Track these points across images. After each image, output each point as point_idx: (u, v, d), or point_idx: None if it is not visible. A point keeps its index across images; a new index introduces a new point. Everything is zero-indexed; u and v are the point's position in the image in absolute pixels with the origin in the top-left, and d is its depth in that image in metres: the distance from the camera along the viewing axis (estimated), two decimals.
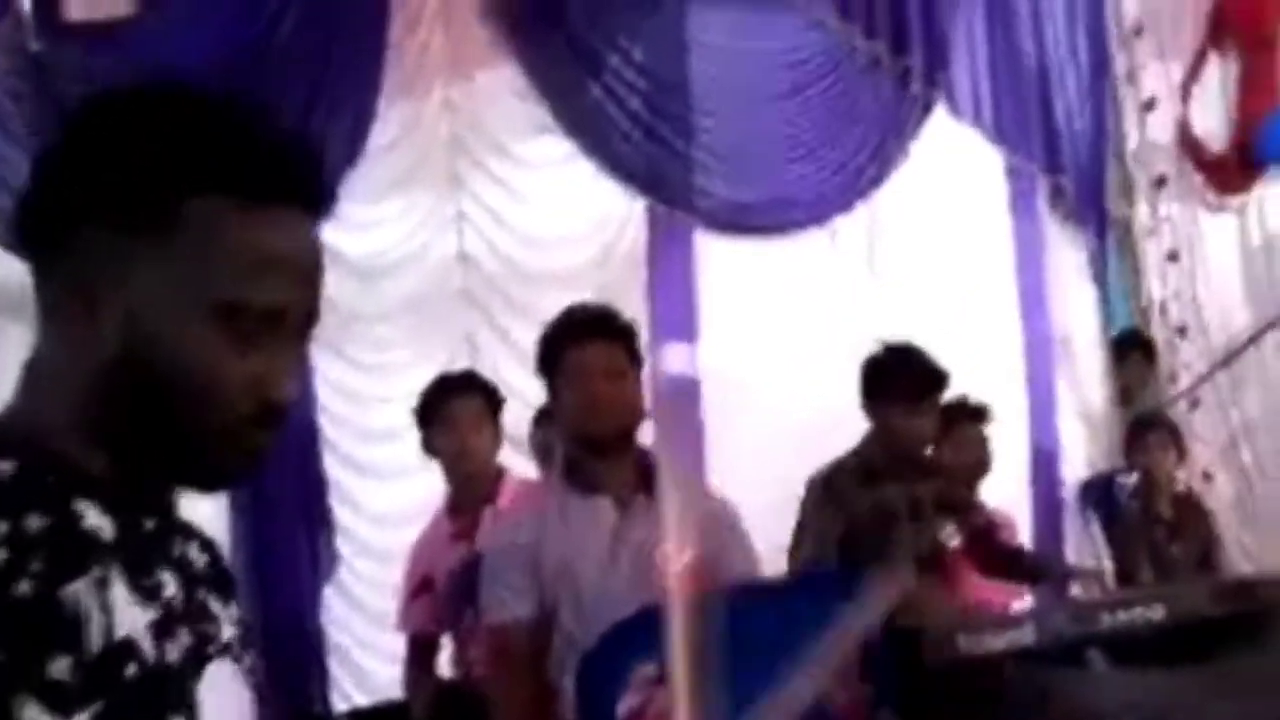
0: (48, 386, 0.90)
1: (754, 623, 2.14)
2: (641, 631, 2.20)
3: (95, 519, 0.86)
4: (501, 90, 4.51)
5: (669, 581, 2.42)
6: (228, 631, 0.97)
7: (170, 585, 0.90)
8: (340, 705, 3.91)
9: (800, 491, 3.56)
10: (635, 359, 2.49)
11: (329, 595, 4.00)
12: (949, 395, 3.55)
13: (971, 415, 3.92)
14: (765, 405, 4.40)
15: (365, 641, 3.99)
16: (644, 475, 2.55)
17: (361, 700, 3.90)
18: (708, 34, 4.63)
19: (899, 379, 3.36)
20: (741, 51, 4.70)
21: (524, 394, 4.00)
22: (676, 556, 2.49)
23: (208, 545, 1.02)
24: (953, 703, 2.63)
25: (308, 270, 0.92)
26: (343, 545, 4.05)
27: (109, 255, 0.87)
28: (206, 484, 0.94)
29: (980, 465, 3.92)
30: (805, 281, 4.61)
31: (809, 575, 3.16)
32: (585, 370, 2.42)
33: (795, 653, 2.13)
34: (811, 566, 3.29)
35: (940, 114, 4.83)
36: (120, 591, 0.84)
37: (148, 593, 0.87)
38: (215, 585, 0.99)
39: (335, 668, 3.97)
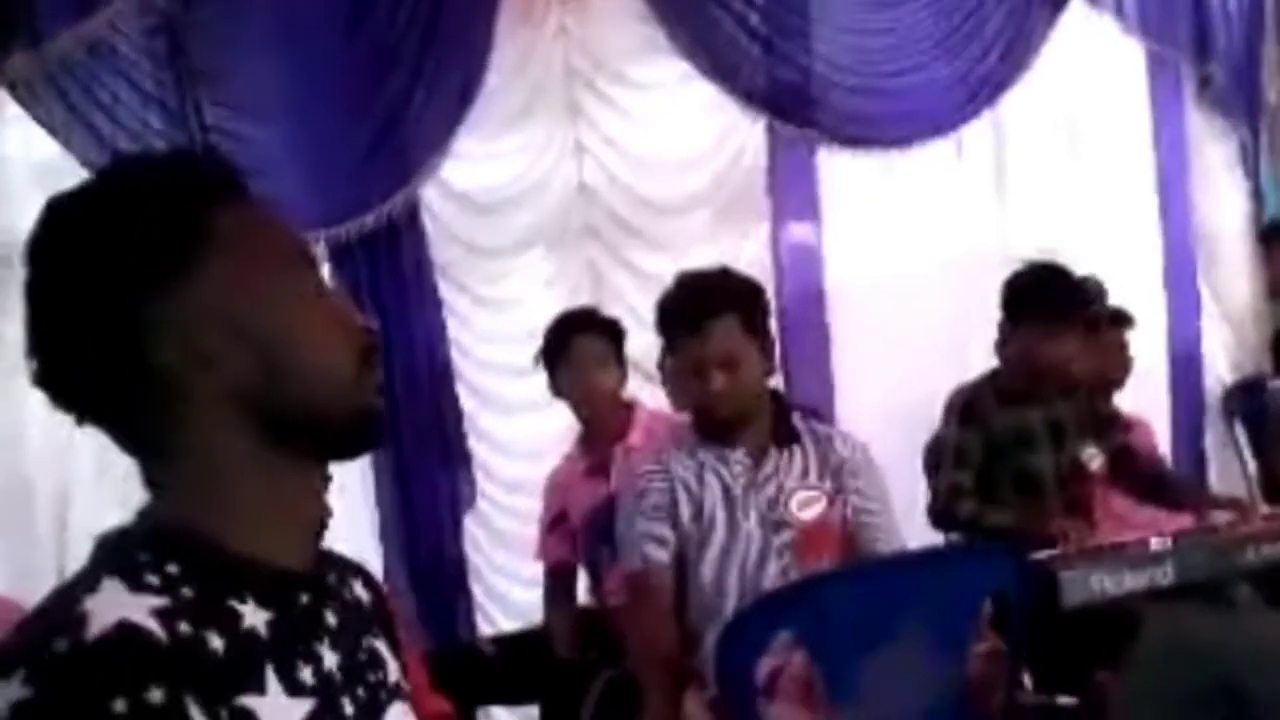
0: (189, 481, 0.94)
1: (870, 600, 2.18)
2: (783, 602, 2.25)
3: (251, 616, 0.90)
4: (617, 12, 4.44)
5: (798, 536, 2.48)
6: (394, 673, 1.03)
7: (328, 656, 0.95)
8: (485, 629, 4.07)
9: (927, 411, 3.55)
10: (756, 331, 2.49)
11: (469, 525, 4.14)
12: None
13: (1113, 320, 3.81)
14: (892, 323, 4.34)
15: (505, 569, 4.13)
16: (778, 424, 2.58)
17: (505, 624, 4.05)
18: None
19: (1040, 299, 3.28)
20: None
21: (651, 323, 4.05)
22: (806, 510, 2.54)
23: (369, 581, 1.08)
24: (1090, 645, 2.61)
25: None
26: (481, 477, 4.17)
27: (162, 330, 0.92)
28: (360, 440, 1.00)
29: (1122, 372, 3.83)
30: (931, 194, 4.48)
31: (938, 552, 3.16)
32: (698, 362, 2.46)
33: (924, 633, 2.17)
34: (949, 495, 3.28)
35: (1076, 7, 4.58)
36: (274, 691, 0.89)
37: (299, 685, 0.91)
38: (379, 623, 1.05)
39: (479, 595, 4.11)
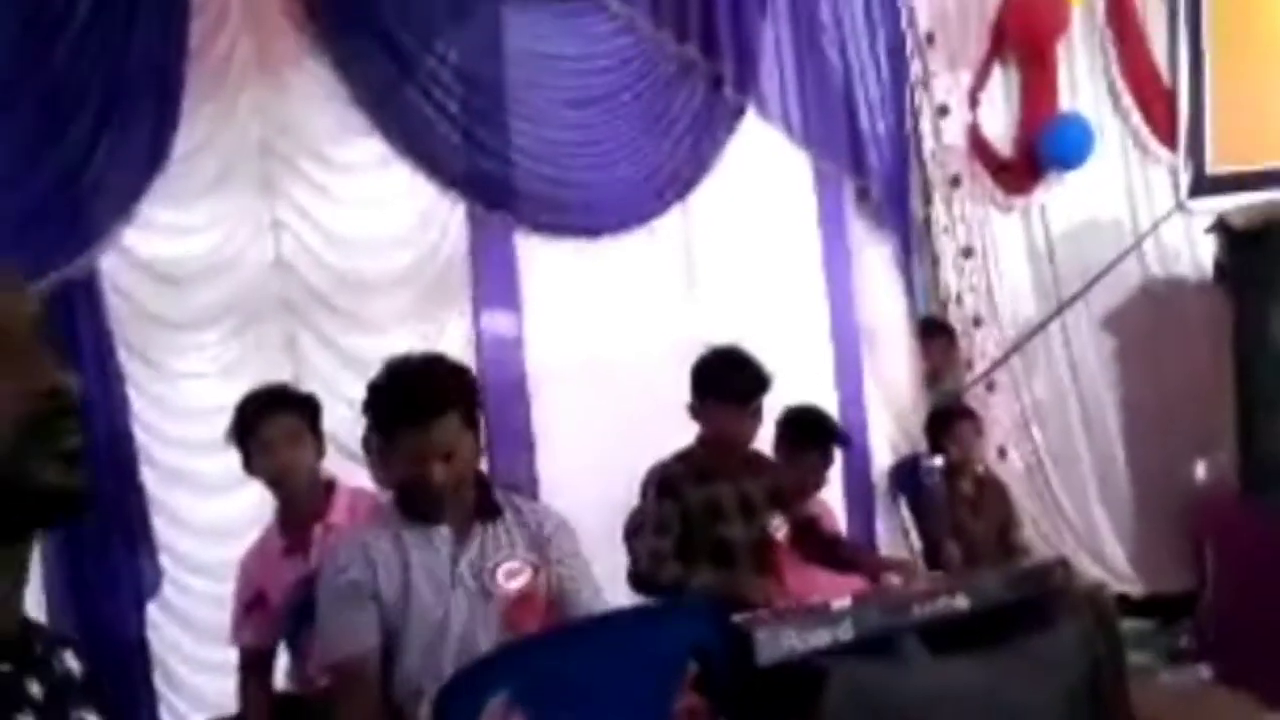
0: None
1: (582, 658, 2.26)
2: (499, 662, 2.28)
3: None
4: (313, 92, 4.43)
5: (505, 606, 2.52)
6: None
7: None
8: None
9: (624, 487, 3.72)
10: (472, 423, 2.53)
11: (153, 612, 3.90)
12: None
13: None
14: (591, 404, 4.50)
15: (192, 658, 3.91)
16: (481, 500, 2.62)
17: (192, 716, 3.83)
18: (522, 37, 4.67)
19: (728, 381, 3.54)
20: (555, 55, 4.76)
21: (351, 399, 4.01)
22: (512, 581, 2.58)
23: (80, 653, 1.03)
24: (782, 699, 2.79)
25: (6, 285, 0.95)
26: (166, 561, 3.95)
27: None
28: (49, 511, 0.92)
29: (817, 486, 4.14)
30: (625, 282, 4.71)
31: (647, 609, 3.28)
32: (419, 455, 2.47)
33: (634, 685, 2.26)
34: (652, 560, 3.44)
35: (751, 118, 5.00)
36: None
37: None
38: (87, 693, 1.00)
39: (162, 685, 3.88)
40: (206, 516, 4.04)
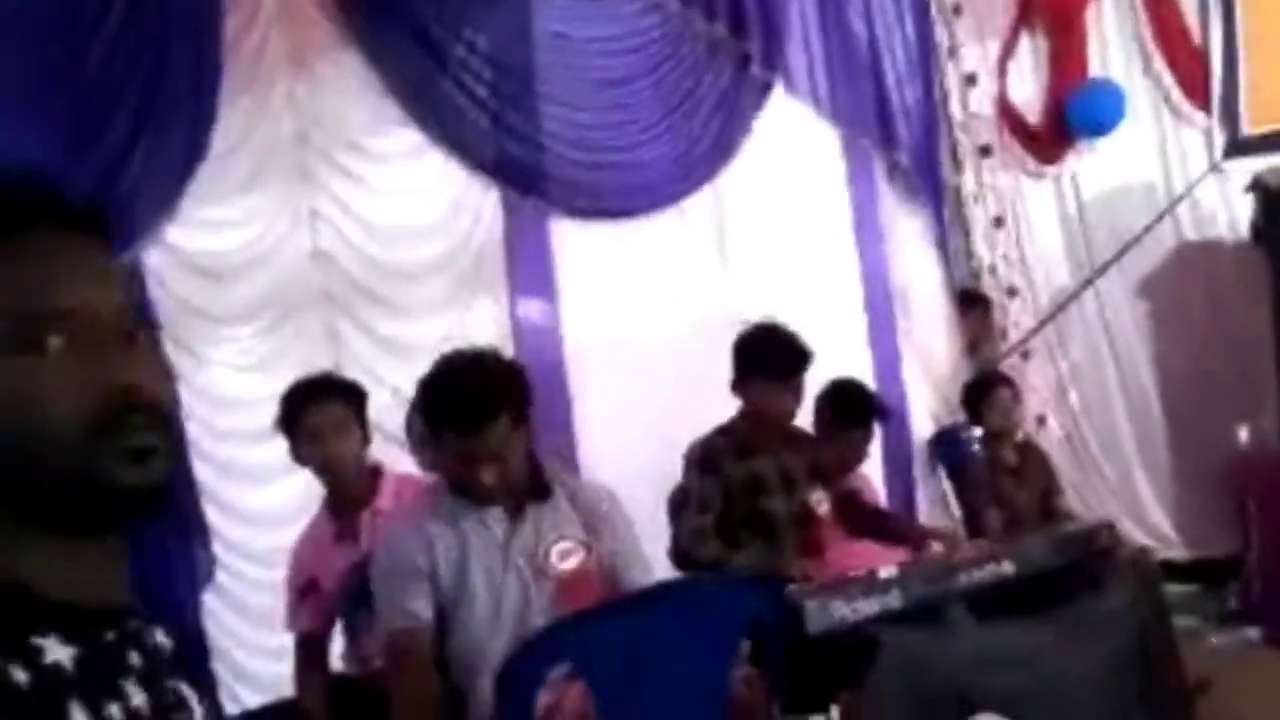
0: None
1: (640, 630, 2.29)
2: (555, 637, 2.32)
3: (55, 652, 0.88)
4: (347, 83, 4.48)
5: (558, 585, 2.56)
6: (200, 717, 1.01)
7: (135, 695, 0.93)
8: (230, 707, 3.90)
9: (664, 466, 3.75)
10: (523, 420, 2.53)
11: (208, 600, 3.97)
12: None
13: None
14: (628, 383, 4.53)
15: (249, 643, 3.98)
16: (533, 480, 2.65)
17: (250, 700, 3.89)
18: (551, 22, 4.70)
19: (768, 358, 3.56)
20: (584, 39, 4.79)
21: (393, 384, 4.06)
22: (565, 561, 2.62)
23: (169, 631, 1.07)
24: (834, 668, 2.81)
25: (95, 275, 0.94)
26: (220, 549, 4.02)
27: None
28: (96, 513, 0.92)
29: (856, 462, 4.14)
30: (659, 261, 4.74)
31: (702, 581, 3.31)
32: (469, 457, 2.48)
33: (690, 657, 2.29)
34: (694, 538, 3.47)
35: (779, 94, 5.01)
36: None
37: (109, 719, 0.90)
38: (183, 669, 1.02)
39: (221, 670, 3.95)
40: (257, 505, 4.10)
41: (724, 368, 3.78)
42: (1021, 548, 3.41)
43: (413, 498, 3.07)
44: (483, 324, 4.42)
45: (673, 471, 3.74)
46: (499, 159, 4.59)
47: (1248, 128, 5.70)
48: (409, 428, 3.68)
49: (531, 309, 4.59)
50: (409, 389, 2.87)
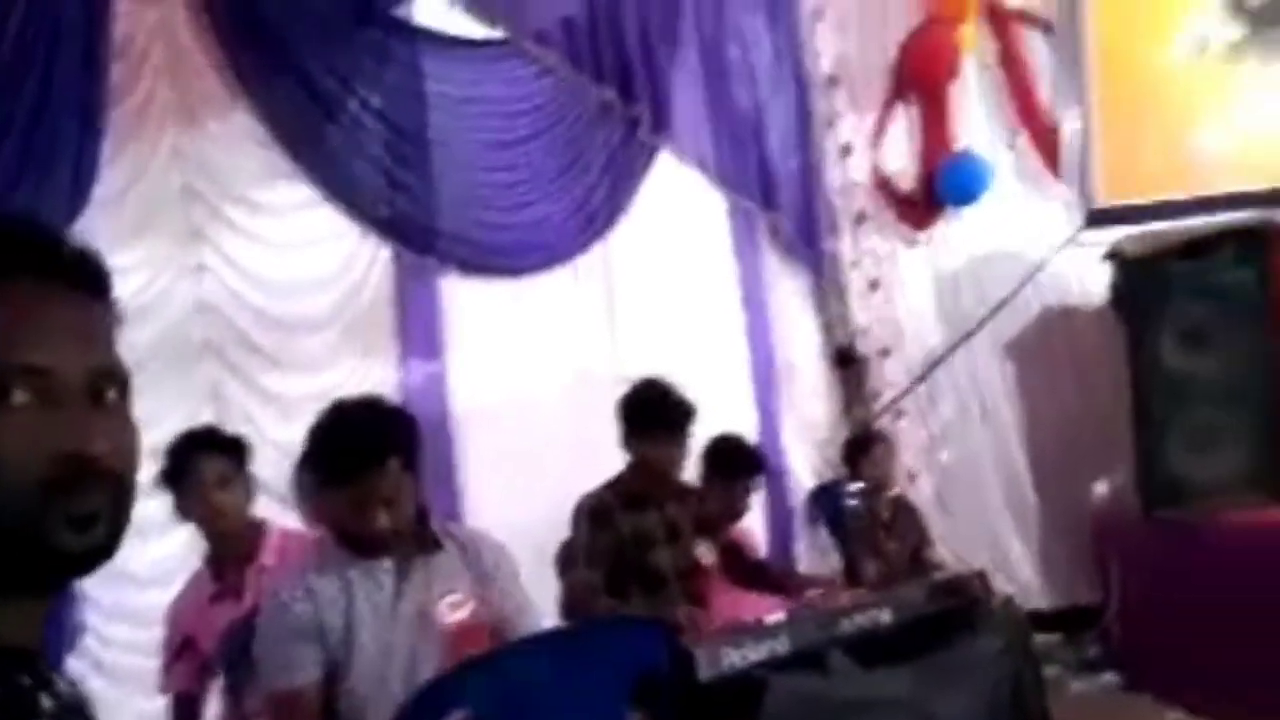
0: None
1: (536, 674, 2.32)
2: (447, 685, 2.33)
3: None
4: (235, 136, 4.47)
5: (449, 638, 2.56)
6: None
7: None
8: None
9: (552, 520, 3.79)
10: (414, 465, 2.54)
11: (74, 664, 3.84)
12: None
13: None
14: (515, 441, 4.57)
15: (117, 707, 3.86)
16: (422, 532, 2.65)
17: None
18: (443, 82, 4.78)
19: (655, 413, 3.65)
20: (477, 99, 4.87)
21: (276, 440, 4.03)
22: (455, 613, 2.63)
23: (74, 684, 1.07)
24: (723, 713, 2.87)
25: (72, 332, 0.93)
26: (91, 609, 3.91)
27: None
28: (55, 570, 0.93)
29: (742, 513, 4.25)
30: (549, 319, 4.81)
31: (585, 625, 3.35)
32: (360, 503, 2.47)
33: (585, 700, 2.33)
34: (584, 589, 3.51)
35: (667, 157, 5.16)
36: None
37: None
38: (83, 714, 1.01)
39: None
40: (133, 563, 4.00)
41: (611, 424, 3.86)
42: (899, 596, 3.54)
43: (298, 553, 3.05)
44: (370, 379, 4.41)
45: (560, 527, 3.79)
46: (391, 215, 4.63)
47: (1103, 200, 6.05)
48: (295, 481, 3.66)
49: (420, 365, 4.61)
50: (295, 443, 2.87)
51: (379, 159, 4.65)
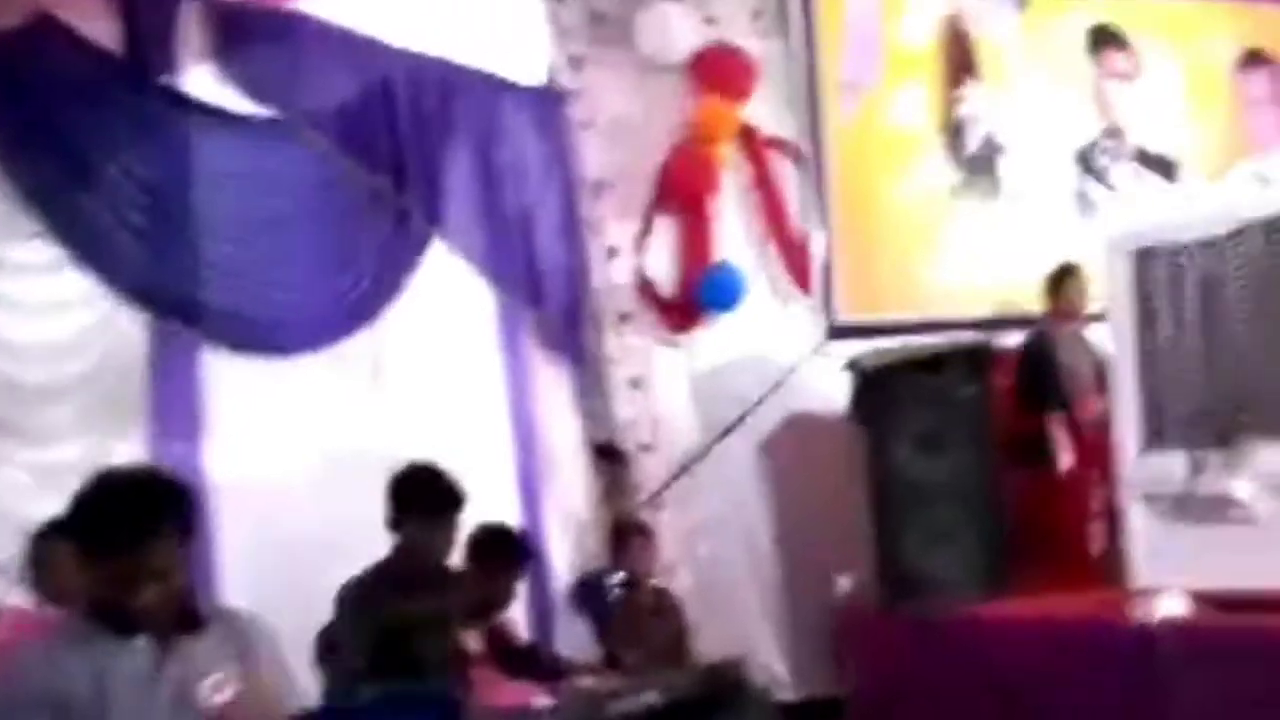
0: None
1: None
2: None
3: None
4: None
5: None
6: None
7: None
8: None
9: (314, 605, 3.68)
10: (188, 537, 2.45)
11: None
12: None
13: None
14: (276, 522, 4.41)
15: None
16: (184, 612, 2.53)
17: None
18: (212, 157, 4.68)
19: (423, 497, 3.65)
20: (246, 174, 4.79)
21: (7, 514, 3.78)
22: (218, 694, 2.51)
23: None
24: None
25: None
26: None
27: None
28: None
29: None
30: (313, 401, 4.71)
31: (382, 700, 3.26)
32: (129, 576, 2.33)
33: None
34: (346, 681, 3.40)
35: (439, 247, 5.20)
36: None
37: None
38: None
39: None
40: None
41: (375, 508, 3.81)
42: (664, 680, 3.66)
43: (34, 631, 2.85)
44: (116, 454, 4.17)
45: (322, 610, 3.69)
46: (149, 284, 4.45)
47: (844, 316, 6.50)
48: (34, 557, 3.44)
49: (175, 440, 4.40)
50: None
51: (139, 227, 4.48)
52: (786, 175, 6.43)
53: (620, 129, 6.08)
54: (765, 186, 6.39)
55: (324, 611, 3.71)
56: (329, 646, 3.63)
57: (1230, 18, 7.82)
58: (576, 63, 6.00)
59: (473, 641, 3.75)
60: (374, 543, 3.79)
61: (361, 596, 3.60)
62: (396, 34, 5.21)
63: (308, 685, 3.56)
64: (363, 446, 4.67)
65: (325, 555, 4.06)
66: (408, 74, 5.21)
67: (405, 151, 5.17)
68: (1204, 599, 4.16)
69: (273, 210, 4.82)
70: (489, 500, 4.63)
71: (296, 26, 4.93)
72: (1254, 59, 7.81)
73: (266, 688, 2.59)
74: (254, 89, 4.85)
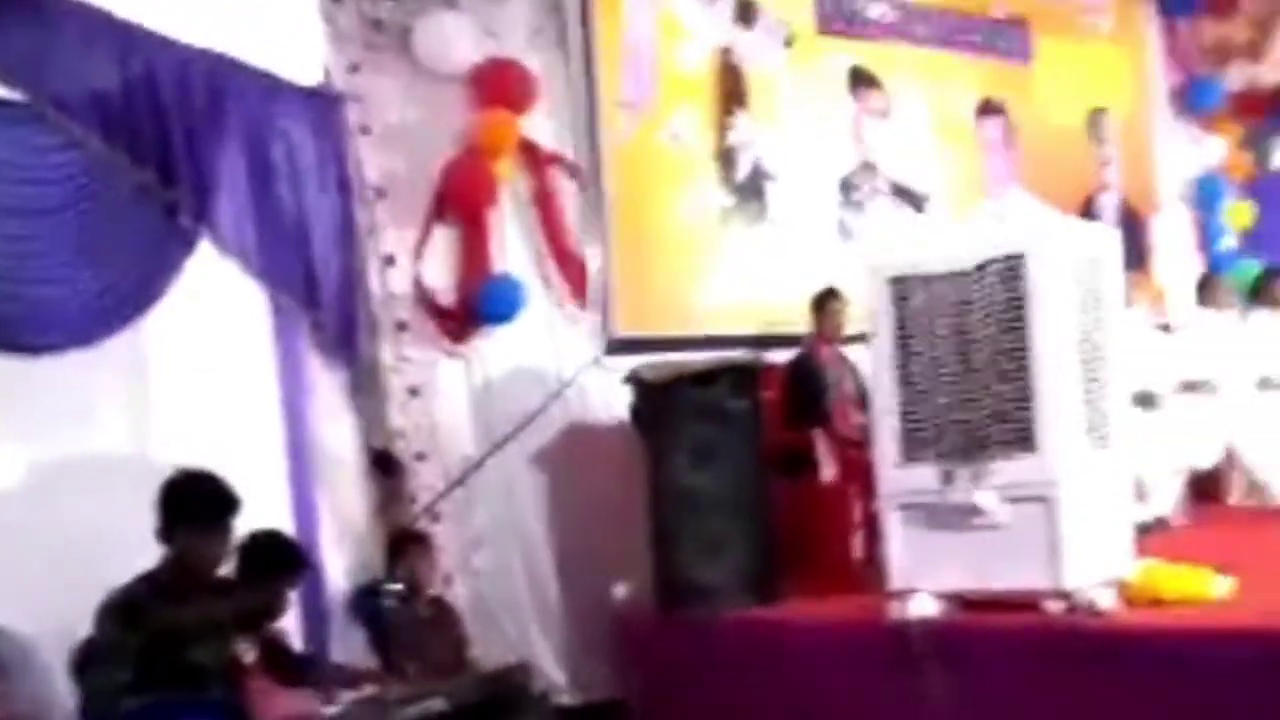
0: None
1: None
2: None
3: None
4: None
5: None
6: None
7: None
8: None
9: (74, 612, 3.48)
10: None
11: None
12: None
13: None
14: (30, 532, 4.09)
15: None
16: None
17: None
18: None
19: (193, 505, 3.53)
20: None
21: None
22: None
23: None
24: None
25: None
26: None
27: None
28: None
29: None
30: (70, 403, 4.40)
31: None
32: None
33: None
34: (108, 695, 3.23)
35: (208, 247, 4.97)
36: None
37: None
38: None
39: None
40: None
41: (139, 515, 3.63)
42: (449, 686, 3.64)
43: None
44: None
45: (83, 623, 3.47)
46: None
47: (621, 330, 6.60)
48: None
49: None
50: None
51: None
52: (566, 191, 6.49)
53: (398, 136, 6.00)
54: (544, 201, 6.43)
55: (84, 624, 3.48)
56: (88, 661, 3.41)
57: (971, 68, 8.49)
58: (354, 67, 5.90)
59: (248, 652, 3.62)
60: (138, 552, 3.60)
61: (129, 605, 3.43)
62: (163, 22, 4.96)
63: (67, 699, 3.32)
64: (126, 452, 4.43)
65: (85, 565, 3.81)
66: (175, 64, 4.96)
67: (172, 145, 4.91)
68: (952, 599, 4.44)
69: (25, 200, 4.49)
70: (261, 507, 4.46)
71: (48, 4, 4.63)
72: (988, 107, 8.50)
73: (21, 703, 2.44)
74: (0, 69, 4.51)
